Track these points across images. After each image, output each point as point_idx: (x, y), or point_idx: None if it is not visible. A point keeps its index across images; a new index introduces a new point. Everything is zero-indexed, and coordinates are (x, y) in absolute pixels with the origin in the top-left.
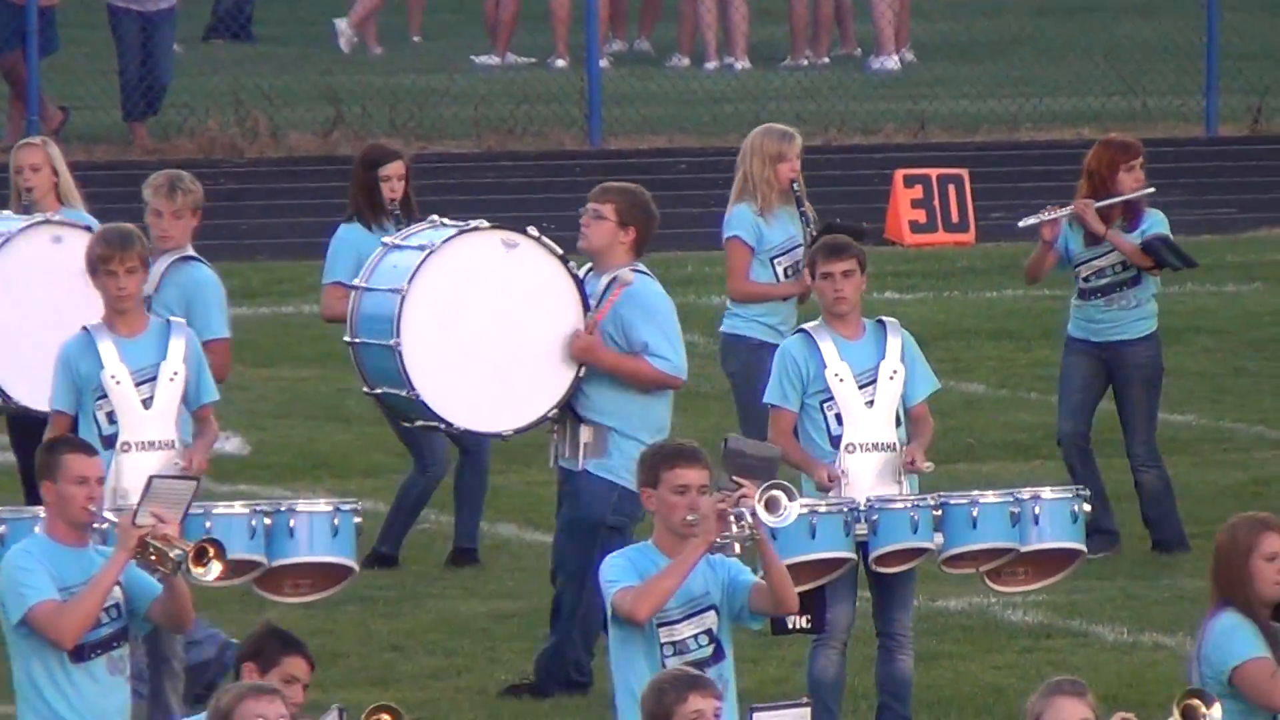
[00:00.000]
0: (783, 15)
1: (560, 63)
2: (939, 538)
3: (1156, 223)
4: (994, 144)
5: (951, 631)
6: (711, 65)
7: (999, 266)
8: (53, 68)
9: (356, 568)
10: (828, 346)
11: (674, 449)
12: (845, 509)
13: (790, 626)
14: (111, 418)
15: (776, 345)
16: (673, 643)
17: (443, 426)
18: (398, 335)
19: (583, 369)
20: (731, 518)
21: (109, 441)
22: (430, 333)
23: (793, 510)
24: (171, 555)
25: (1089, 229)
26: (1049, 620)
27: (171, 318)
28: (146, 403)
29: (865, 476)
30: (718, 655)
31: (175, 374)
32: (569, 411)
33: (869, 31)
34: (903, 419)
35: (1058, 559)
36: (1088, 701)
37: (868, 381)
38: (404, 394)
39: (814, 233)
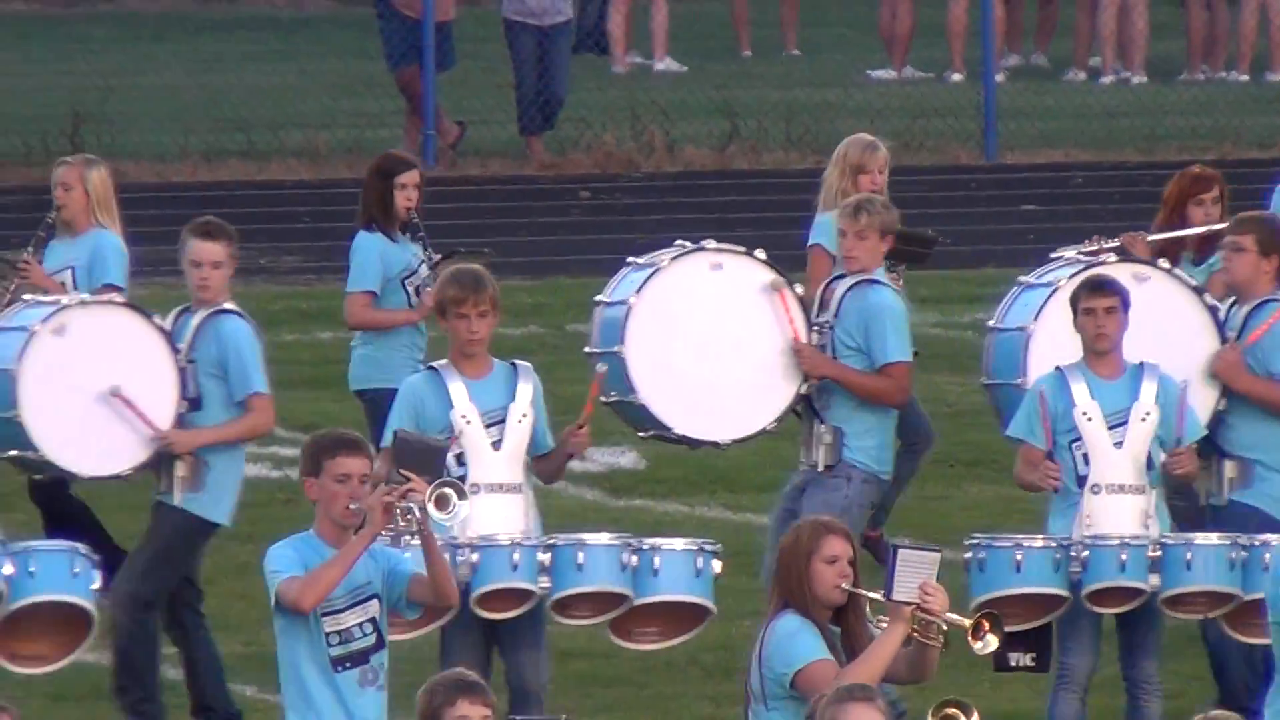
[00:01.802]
0: (1180, 29)
1: (956, 77)
2: (1154, 579)
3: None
4: None
5: None
6: (1107, 79)
7: None
8: (449, 82)
9: (714, 609)
10: (1079, 386)
11: (336, 438)
12: (1056, 545)
13: (1014, 664)
14: (460, 459)
15: None
16: (337, 631)
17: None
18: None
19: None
20: (398, 511)
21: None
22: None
23: (462, 508)
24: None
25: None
26: None
27: (517, 361)
28: (496, 445)
29: (1110, 518)
30: (379, 644)
31: (524, 416)
32: None
33: (1265, 45)
34: (1154, 463)
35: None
36: (878, 706)
37: (1118, 423)
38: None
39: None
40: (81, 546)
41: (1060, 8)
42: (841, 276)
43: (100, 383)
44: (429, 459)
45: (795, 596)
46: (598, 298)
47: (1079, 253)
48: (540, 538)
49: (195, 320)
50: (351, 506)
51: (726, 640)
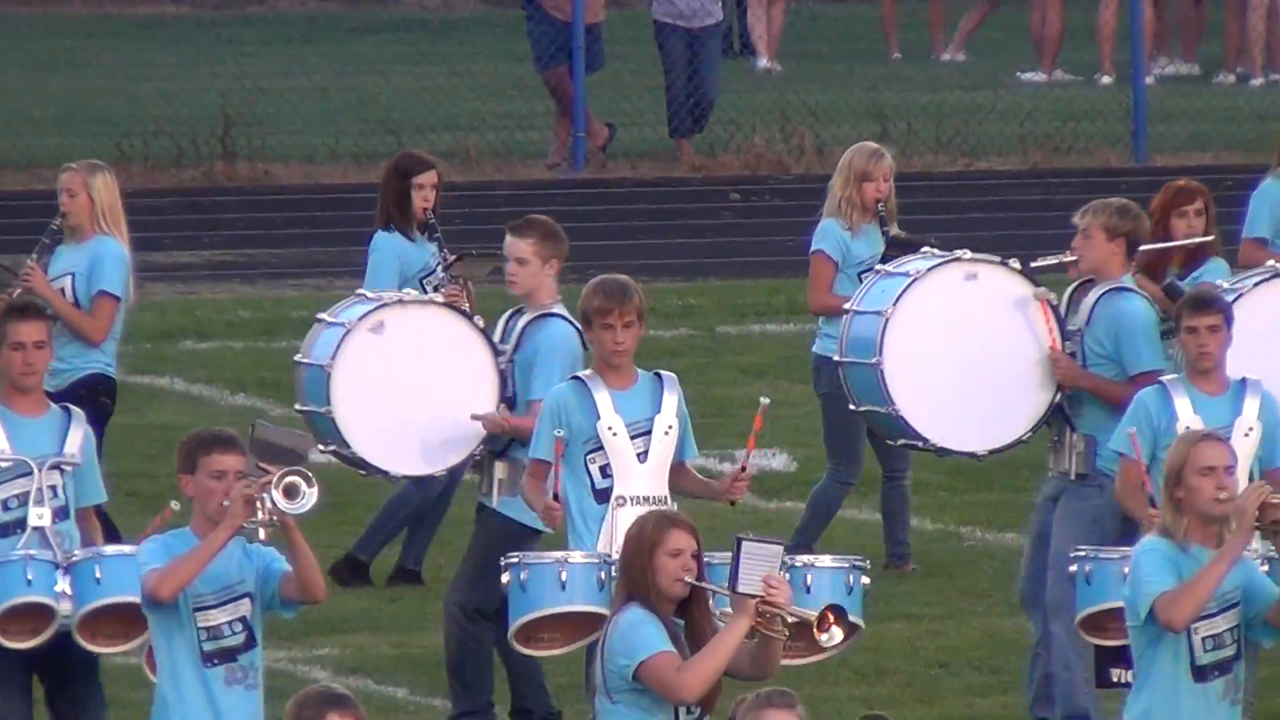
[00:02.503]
0: None
1: (1106, 79)
2: None
3: (1210, 271)
4: None
5: None
6: (1257, 81)
7: None
8: (598, 84)
9: (863, 626)
10: (1182, 402)
11: (211, 436)
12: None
13: (1115, 680)
14: (605, 471)
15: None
16: (208, 628)
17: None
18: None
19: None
20: (258, 504)
21: (602, 495)
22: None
23: (311, 496)
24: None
25: None
26: None
27: (661, 372)
28: (641, 456)
29: None
30: (249, 643)
31: (670, 428)
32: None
33: None
34: (1253, 479)
35: None
36: (797, 713)
37: None
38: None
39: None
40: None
41: (1209, 10)
42: (1090, 282)
43: (417, 381)
44: (289, 453)
45: (639, 589)
46: (847, 305)
47: (1059, 260)
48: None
49: (522, 322)
50: (225, 503)
51: (878, 642)
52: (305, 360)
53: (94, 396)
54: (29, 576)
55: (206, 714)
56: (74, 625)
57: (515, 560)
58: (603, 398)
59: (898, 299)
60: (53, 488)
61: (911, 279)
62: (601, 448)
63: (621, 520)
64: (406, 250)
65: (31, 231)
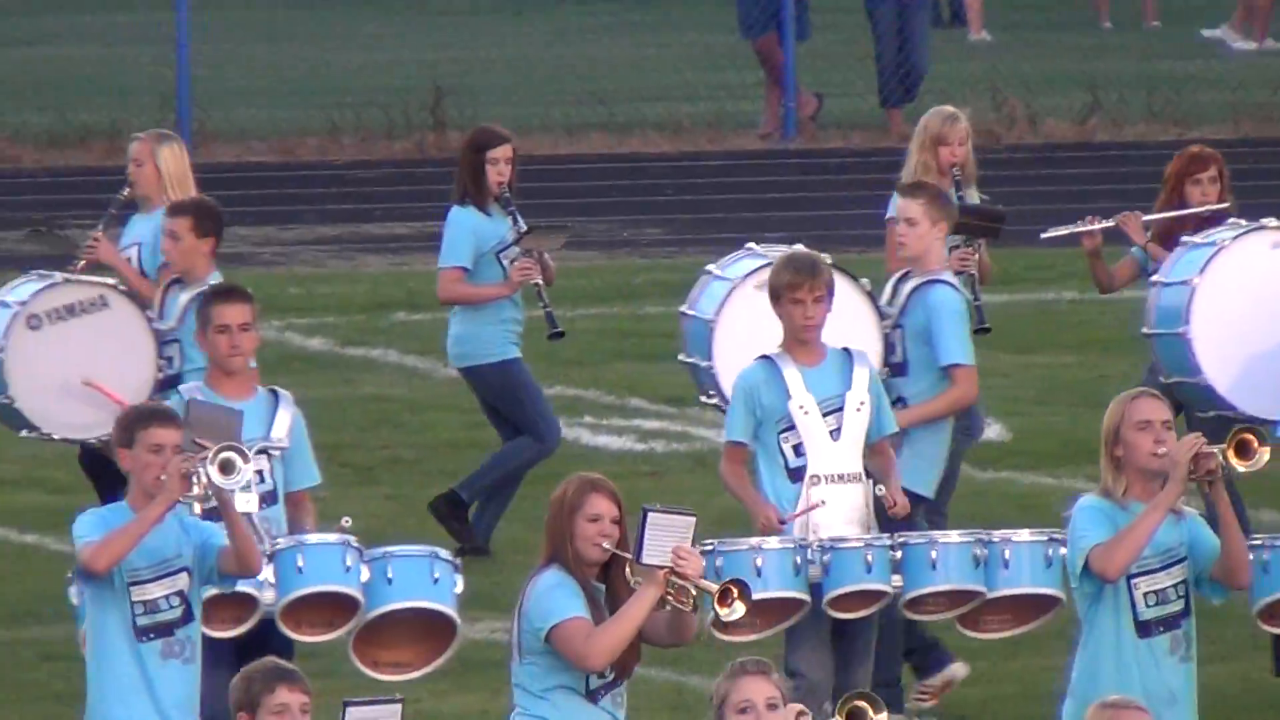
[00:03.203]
0: None
1: None
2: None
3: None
4: None
5: None
6: None
7: None
8: (808, 55)
9: (1062, 597)
10: None
11: (149, 410)
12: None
13: None
14: (798, 450)
15: None
16: (144, 602)
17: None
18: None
19: None
20: (194, 477)
21: (796, 474)
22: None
23: (246, 471)
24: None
25: (1133, 240)
26: None
27: (850, 347)
28: (834, 434)
29: None
30: (187, 617)
31: (862, 404)
32: None
33: None
34: None
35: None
36: (773, 680)
37: None
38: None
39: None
40: (441, 550)
41: None
42: None
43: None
44: (224, 426)
45: (559, 552)
46: (1154, 278)
47: (1071, 231)
48: (892, 536)
49: (907, 287)
50: (163, 477)
51: None
52: (690, 312)
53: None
54: None
55: (140, 687)
56: (277, 614)
57: (710, 547)
58: (792, 375)
59: (1204, 267)
60: (259, 473)
61: (1218, 248)
62: (794, 426)
63: (815, 499)
64: (481, 225)
65: (244, 204)
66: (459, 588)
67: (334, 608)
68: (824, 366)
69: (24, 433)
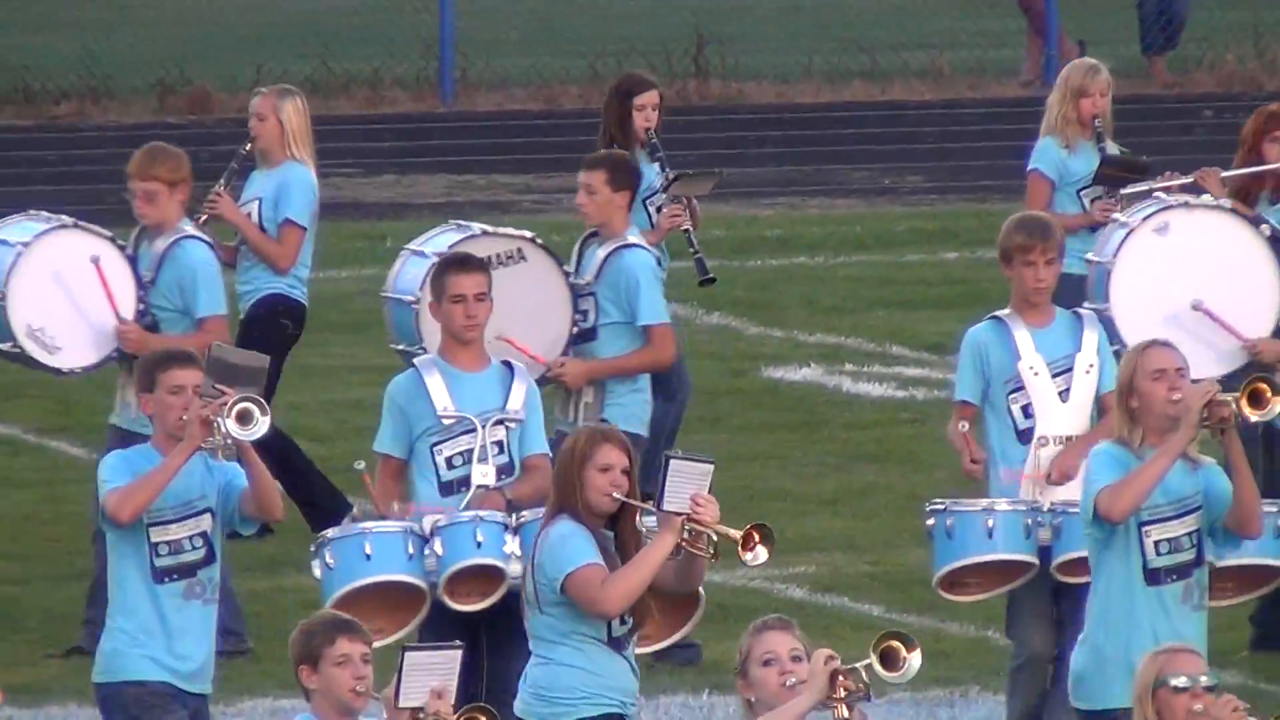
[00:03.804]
0: None
1: None
2: None
3: None
4: None
5: None
6: None
7: None
8: (1069, 3)
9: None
10: None
11: (167, 353)
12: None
13: None
14: (1027, 411)
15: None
16: (166, 542)
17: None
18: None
19: None
20: (215, 424)
21: (1025, 436)
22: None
23: (264, 423)
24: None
25: (1213, 196)
26: None
27: (1080, 310)
28: (1063, 395)
29: None
30: (209, 558)
31: (1091, 366)
32: None
33: None
34: None
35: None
36: (796, 634)
37: None
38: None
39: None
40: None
41: None
42: None
43: (1194, 287)
44: (246, 373)
45: (569, 502)
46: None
47: (1150, 187)
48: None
49: None
50: (185, 418)
51: None
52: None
53: (273, 317)
54: (479, 538)
55: (156, 629)
56: (441, 584)
57: (941, 507)
58: (1022, 336)
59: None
60: (497, 444)
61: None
62: (1023, 387)
63: (1044, 459)
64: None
65: (505, 151)
66: (510, 546)
67: (486, 579)
68: (1054, 328)
69: None
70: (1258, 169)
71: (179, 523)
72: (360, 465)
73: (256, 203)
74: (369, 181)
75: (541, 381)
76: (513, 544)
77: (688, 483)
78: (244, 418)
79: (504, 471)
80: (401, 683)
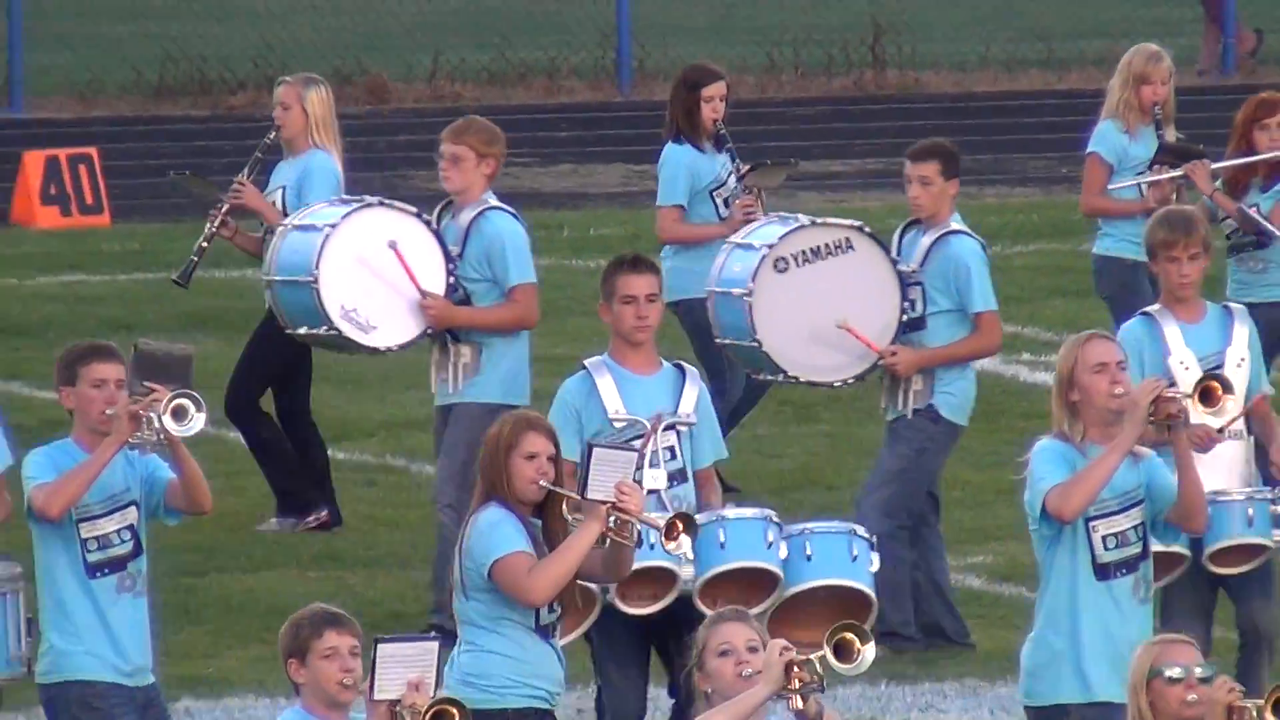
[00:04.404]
0: None
1: None
2: None
3: None
4: None
5: None
6: None
7: None
8: None
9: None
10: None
11: (88, 346)
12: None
13: None
14: None
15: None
16: (95, 537)
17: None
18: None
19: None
20: (144, 420)
21: None
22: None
23: (199, 419)
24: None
25: (1200, 189)
26: None
27: (1230, 304)
28: None
29: None
30: (136, 550)
31: (1242, 360)
32: None
33: None
34: None
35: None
36: (752, 626)
37: None
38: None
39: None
40: (859, 528)
41: None
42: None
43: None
44: (173, 369)
45: (496, 489)
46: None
47: (1140, 182)
48: (1275, 490)
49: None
50: (108, 412)
51: None
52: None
53: None
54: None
55: (95, 624)
56: (695, 591)
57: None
58: (1172, 332)
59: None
60: (669, 449)
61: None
62: (1174, 383)
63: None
64: (697, 161)
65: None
66: (875, 566)
67: (749, 583)
68: (1204, 323)
69: (764, 376)
70: (1247, 159)
71: (106, 516)
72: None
73: (280, 191)
74: (546, 171)
75: (870, 370)
76: (686, 545)
77: (612, 471)
78: (179, 414)
79: (675, 477)
80: (376, 675)
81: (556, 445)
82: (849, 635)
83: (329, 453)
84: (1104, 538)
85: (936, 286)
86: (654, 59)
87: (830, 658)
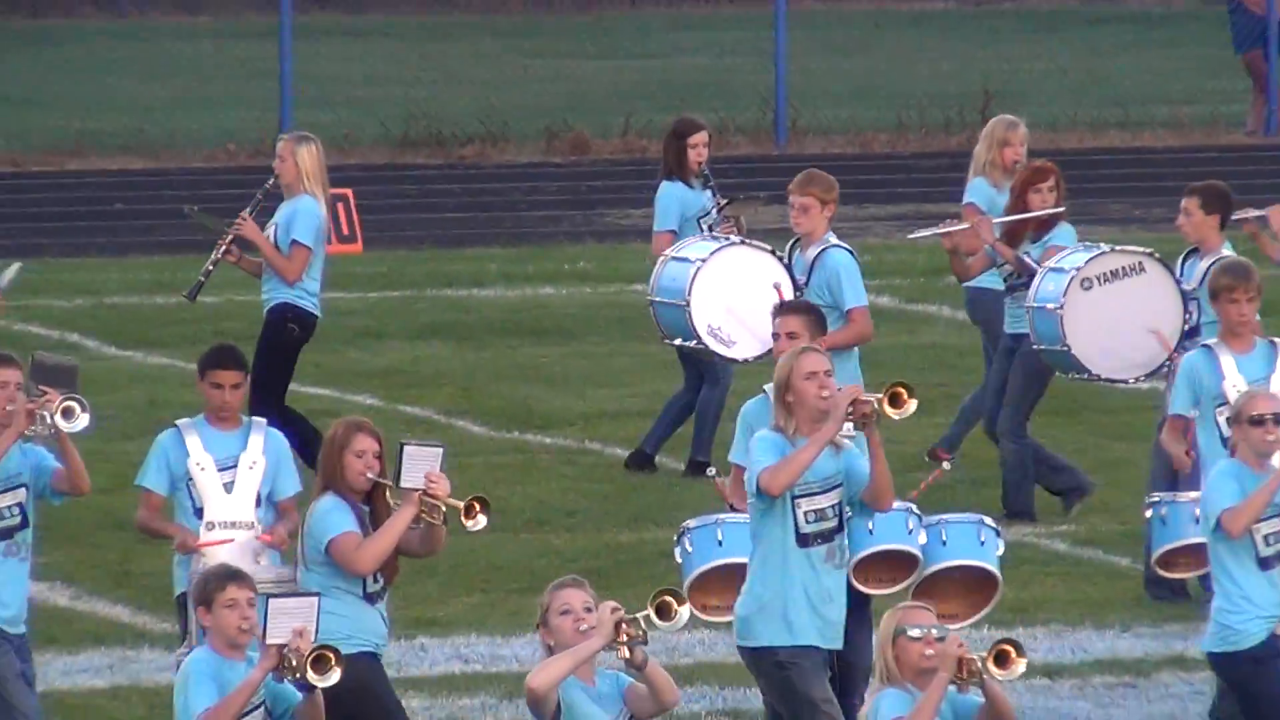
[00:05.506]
0: None
1: None
2: None
3: (1059, 236)
4: None
5: None
6: None
7: None
8: None
9: None
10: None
11: None
12: None
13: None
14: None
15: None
16: None
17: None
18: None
19: None
20: (39, 417)
21: (1228, 441)
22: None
23: (84, 419)
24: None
25: (983, 239)
26: None
27: (1276, 339)
28: None
29: None
30: (23, 523)
31: None
32: None
33: None
34: None
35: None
36: (587, 591)
37: None
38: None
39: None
40: (986, 518)
41: None
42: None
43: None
44: (63, 377)
45: (332, 481)
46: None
47: (934, 233)
48: None
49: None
50: (9, 408)
51: None
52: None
53: (282, 322)
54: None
55: None
56: (849, 569)
57: (1157, 500)
58: (1227, 361)
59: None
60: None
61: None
62: (1227, 403)
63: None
64: (686, 195)
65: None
66: (1001, 549)
67: (894, 564)
68: (1254, 355)
69: (1071, 376)
70: (1022, 216)
71: (1, 494)
72: (712, 472)
73: (274, 227)
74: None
75: (1156, 371)
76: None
77: (422, 463)
78: (67, 413)
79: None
80: (268, 624)
81: (381, 444)
82: (668, 598)
83: (535, 438)
84: (806, 513)
85: (1204, 298)
86: (805, 118)
87: (653, 616)
